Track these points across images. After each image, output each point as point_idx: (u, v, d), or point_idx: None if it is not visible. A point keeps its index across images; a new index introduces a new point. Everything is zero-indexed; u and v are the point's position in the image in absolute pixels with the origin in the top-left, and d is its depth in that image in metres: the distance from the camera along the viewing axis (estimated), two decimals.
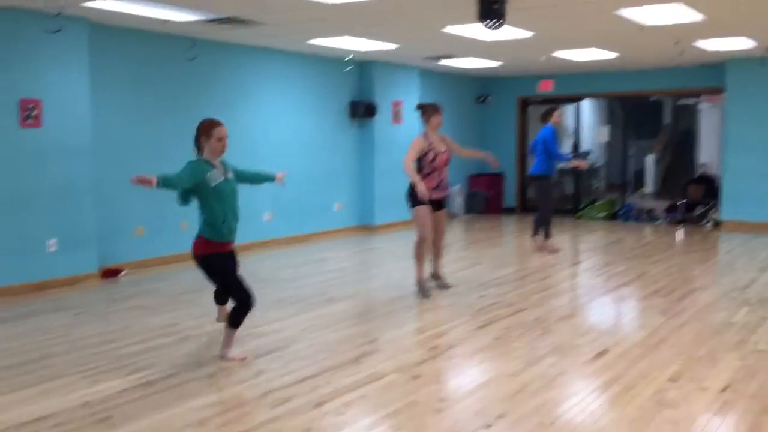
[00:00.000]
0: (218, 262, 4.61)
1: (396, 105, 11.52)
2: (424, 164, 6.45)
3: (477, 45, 9.03)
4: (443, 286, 6.83)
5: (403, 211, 11.12)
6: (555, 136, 8.75)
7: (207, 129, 4.61)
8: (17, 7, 6.44)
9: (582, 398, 3.96)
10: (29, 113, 6.74)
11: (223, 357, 4.64)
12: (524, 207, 14.02)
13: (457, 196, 13.13)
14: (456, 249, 9.30)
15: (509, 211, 13.95)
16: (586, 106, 15.81)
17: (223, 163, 4.71)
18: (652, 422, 3.62)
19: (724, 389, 4.07)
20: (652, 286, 7.00)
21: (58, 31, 6.66)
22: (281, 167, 9.71)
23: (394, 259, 8.71)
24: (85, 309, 6.17)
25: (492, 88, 13.99)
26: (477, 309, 6.07)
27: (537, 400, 3.94)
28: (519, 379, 4.31)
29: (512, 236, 11.10)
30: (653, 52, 9.79)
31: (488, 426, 3.57)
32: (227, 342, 4.67)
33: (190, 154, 8.60)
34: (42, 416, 3.73)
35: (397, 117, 11.55)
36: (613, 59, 10.66)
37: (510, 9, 6.41)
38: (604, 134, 15.17)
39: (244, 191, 9.15)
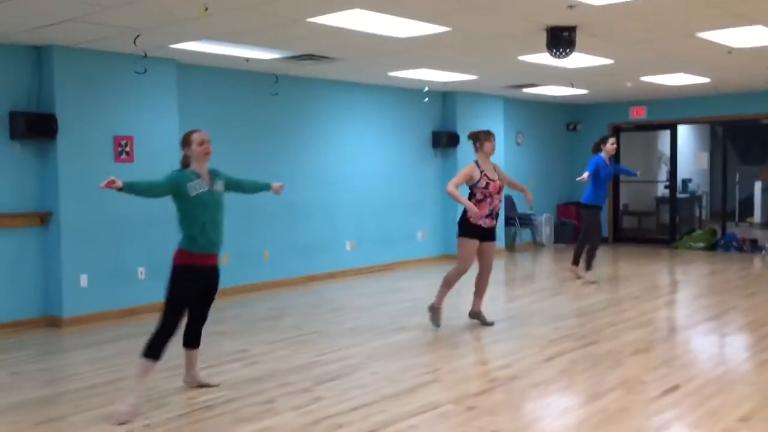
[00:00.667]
0: (182, 278, 4.39)
1: None
2: (475, 191, 6.31)
3: (556, 73, 8.93)
4: (485, 323, 6.54)
5: None
6: (603, 166, 8.68)
7: (186, 138, 4.46)
8: (109, 51, 6.94)
9: None
10: (122, 149, 7.22)
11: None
12: (617, 237, 13.58)
13: (544, 225, 12.89)
14: (538, 279, 9.12)
15: (601, 240, 13.52)
16: (684, 132, 15.22)
17: (212, 173, 4.52)
18: None
19: None
20: (741, 320, 6.62)
21: (145, 71, 7.12)
22: (363, 198, 10.00)
23: (470, 289, 8.62)
24: None
25: (582, 115, 13.71)
26: (548, 341, 5.92)
27: None
28: (577, 413, 4.18)
29: (598, 268, 10.75)
30: (746, 75, 9.33)
31: None
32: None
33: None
34: None
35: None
36: (706, 83, 10.24)
37: (583, 36, 6.36)
38: (703, 161, 14.52)
39: (329, 220, 9.47)
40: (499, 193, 6.38)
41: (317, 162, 9.41)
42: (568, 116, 13.71)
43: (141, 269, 7.37)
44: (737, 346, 5.73)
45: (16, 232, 6.69)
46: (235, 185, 4.79)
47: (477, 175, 6.28)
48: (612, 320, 6.67)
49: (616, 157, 9.51)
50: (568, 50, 6.10)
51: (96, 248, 7.02)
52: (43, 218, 6.81)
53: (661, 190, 14.58)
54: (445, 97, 11.13)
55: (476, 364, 5.36)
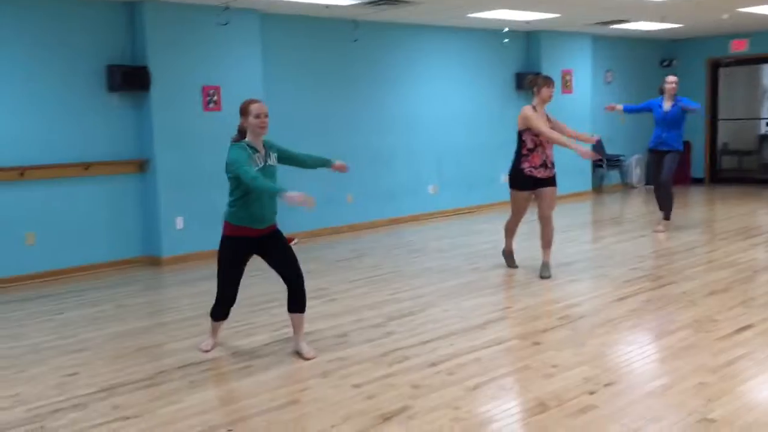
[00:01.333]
0: (230, 249, 4.34)
1: (566, 74, 11.25)
2: (526, 139, 6.04)
3: (645, 6, 8.59)
4: (543, 276, 6.19)
5: (572, 183, 10.99)
6: (658, 106, 8.16)
7: (244, 108, 4.27)
8: (196, 4, 7.24)
9: (696, 375, 3.82)
10: (210, 98, 7.58)
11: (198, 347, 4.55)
12: (714, 178, 13.07)
13: (635, 167, 12.56)
14: (623, 221, 8.99)
15: (697, 181, 13.08)
16: None
17: (267, 145, 4.35)
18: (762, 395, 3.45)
19: None
20: None
21: (227, 23, 7.40)
22: (445, 142, 10.07)
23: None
24: (258, 273, 6.86)
25: (678, 50, 13.12)
26: (623, 281, 5.94)
27: (646, 371, 3.88)
28: (641, 350, 4.26)
29: (689, 209, 10.45)
30: None
31: (592, 393, 3.60)
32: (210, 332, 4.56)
33: (356, 127, 9.07)
34: (197, 361, 4.33)
35: (566, 86, 11.28)
36: None
37: None
38: None
39: (411, 164, 9.61)
40: (550, 142, 6.06)
41: (399, 107, 9.53)
42: (663, 52, 13.14)
43: None
44: None
45: (116, 178, 7.22)
46: (289, 159, 4.55)
47: (534, 118, 5.97)
48: (693, 262, 6.57)
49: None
50: None
51: (190, 193, 7.48)
52: (141, 165, 7.31)
53: (764, 128, 13.81)
54: (529, 37, 10.92)
55: (547, 303, 5.45)
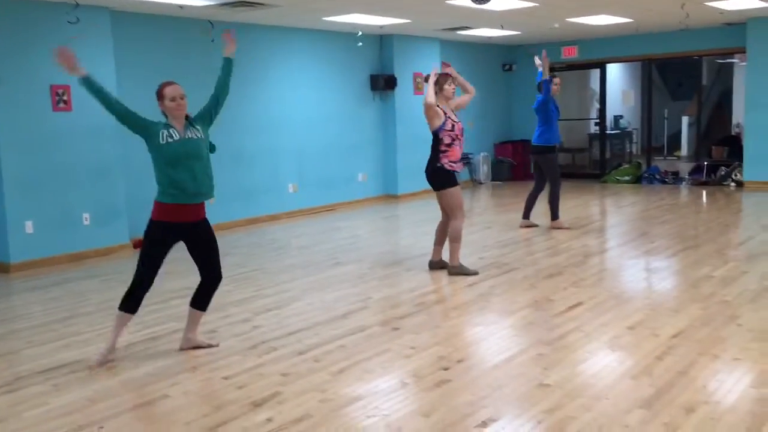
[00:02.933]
0: (156, 232, 4.27)
1: (417, 76, 11.81)
2: (443, 136, 6.09)
3: (485, 15, 9.25)
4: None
5: (424, 182, 11.54)
6: (551, 101, 8.33)
7: (159, 92, 4.33)
8: (42, 1, 6.98)
9: (534, 347, 4.31)
10: (60, 98, 7.33)
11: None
12: None
13: (482, 164, 13.39)
14: (471, 215, 9.61)
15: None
16: (616, 70, 15.78)
17: (190, 122, 4.39)
18: (598, 364, 3.97)
19: (675, 335, 4.37)
20: (648, 245, 7.24)
21: (77, 21, 7.20)
22: (304, 141, 10.28)
23: (407, 225, 9.14)
24: (114, 276, 6.76)
25: (517, 55, 14.11)
26: (473, 269, 6.42)
27: (492, 347, 4.33)
28: (488, 328, 4.70)
29: (519, 204, 11.31)
30: (664, 15, 9.81)
31: (446, 369, 3.97)
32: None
33: (216, 128, 9.15)
34: (59, 365, 4.28)
35: (418, 88, 11.84)
36: (630, 23, 10.70)
37: None
38: (629, 98, 15.12)
39: (271, 164, 9.71)
40: (462, 134, 6.23)
41: (258, 108, 9.63)
42: (504, 57, 14.08)
43: (86, 215, 7.59)
44: (639, 268, 6.36)
45: None
46: (211, 106, 4.60)
47: (441, 115, 6.07)
48: (532, 249, 7.23)
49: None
50: None
51: (40, 196, 7.20)
52: None
53: (593, 128, 15.20)
54: (382, 40, 11.37)
55: (404, 292, 5.81)
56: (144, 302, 5.10)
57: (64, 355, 4.46)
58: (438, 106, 6.10)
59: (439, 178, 6.19)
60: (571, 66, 13.85)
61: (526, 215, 8.53)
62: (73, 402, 3.72)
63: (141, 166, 8.29)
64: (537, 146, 8.31)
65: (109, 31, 7.67)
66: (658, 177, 12.59)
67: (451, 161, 6.16)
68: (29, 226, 7.14)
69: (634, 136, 16.88)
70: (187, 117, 4.41)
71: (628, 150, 16.34)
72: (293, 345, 4.50)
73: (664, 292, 5.60)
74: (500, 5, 8.34)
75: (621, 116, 16.20)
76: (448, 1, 8.01)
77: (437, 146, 6.17)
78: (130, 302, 4.32)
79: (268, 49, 9.68)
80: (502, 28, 10.76)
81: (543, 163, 8.32)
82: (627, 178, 12.83)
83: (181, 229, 4.33)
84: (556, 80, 8.33)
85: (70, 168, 7.44)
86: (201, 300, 4.54)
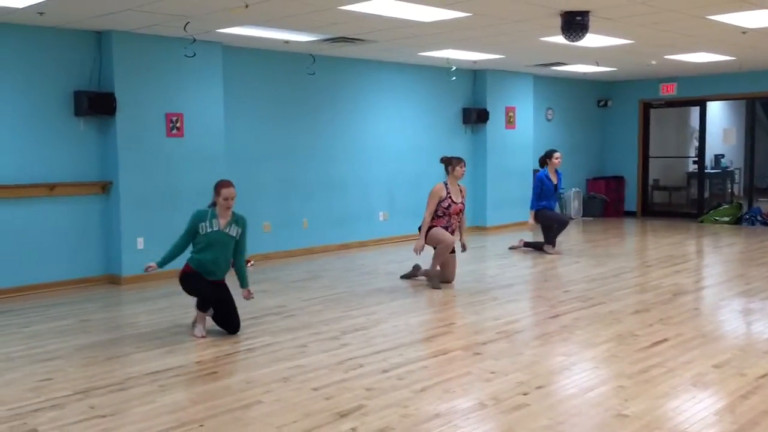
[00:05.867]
0: (188, 280, 5.47)
1: (509, 110, 11.96)
2: (437, 209, 7.18)
3: (580, 52, 9.33)
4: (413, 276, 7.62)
5: (514, 213, 11.63)
6: (546, 179, 9.29)
7: (218, 188, 5.40)
8: (162, 36, 7.62)
9: (615, 380, 4.34)
10: (173, 125, 7.93)
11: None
12: (646, 211, 13.92)
13: (573, 200, 13.31)
14: (562, 249, 9.60)
15: (630, 214, 13.91)
16: (718, 108, 15.36)
17: (234, 218, 5.45)
18: (679, 398, 3.98)
19: (762, 376, 4.30)
20: (743, 286, 7.07)
21: (194, 55, 7.80)
22: (396, 171, 10.59)
23: (494, 256, 9.23)
24: None
25: (613, 91, 14.03)
26: (557, 301, 6.49)
27: (572, 376, 4.39)
28: (570, 359, 4.76)
29: (621, 239, 11.18)
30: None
31: (525, 394, 4.08)
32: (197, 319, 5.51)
33: (312, 156, 10.20)
34: (164, 369, 4.66)
35: (510, 122, 11.98)
36: (732, 61, 10.50)
37: (597, 20, 6.81)
38: (730, 137, 14.67)
39: (362, 192, 10.07)
40: (458, 214, 7.27)
41: (352, 137, 10.03)
42: (599, 92, 14.03)
43: None
44: (731, 308, 6.23)
45: (80, 199, 7.47)
46: (236, 245, 5.52)
47: (443, 194, 7.17)
48: (621, 285, 7.19)
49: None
50: (581, 33, 6.55)
51: (151, 214, 7.77)
52: (104, 187, 7.59)
53: (692, 166, 14.82)
54: (476, 75, 11.60)
55: (488, 319, 5.93)
56: (242, 318, 5.52)
57: (169, 360, 4.83)
58: (445, 184, 7.30)
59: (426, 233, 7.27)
60: (670, 103, 13.65)
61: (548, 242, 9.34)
62: (177, 402, 4.06)
63: (242, 189, 8.80)
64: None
65: (220, 64, 8.25)
66: (759, 219, 12.16)
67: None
68: (140, 242, 7.71)
69: (736, 176, 16.32)
70: (233, 214, 5.45)
71: (729, 190, 15.80)
72: (378, 363, 4.71)
73: (755, 333, 5.48)
74: (595, 42, 8.42)
75: (722, 155, 15.72)
76: (542, 38, 8.17)
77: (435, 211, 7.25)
78: (203, 305, 5.48)
79: (364, 82, 10.09)
80: (597, 64, 10.79)
81: (543, 220, 9.36)
82: (726, 218, 12.45)
83: (205, 280, 5.47)
84: (557, 154, 9.43)
85: (179, 189, 8.00)
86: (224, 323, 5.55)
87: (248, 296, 5.56)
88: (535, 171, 9.57)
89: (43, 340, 5.41)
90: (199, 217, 5.42)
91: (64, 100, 7.29)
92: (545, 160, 9.45)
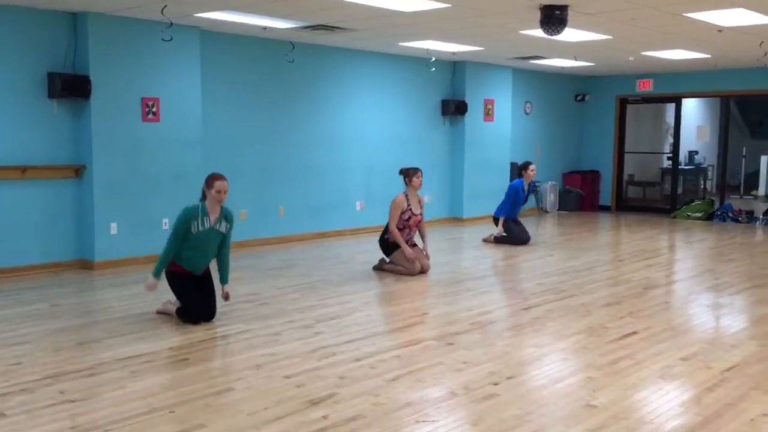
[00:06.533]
0: (176, 280, 5.40)
1: (488, 103, 11.99)
2: (399, 220, 7.31)
3: (559, 46, 9.38)
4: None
5: (491, 205, 11.68)
6: (521, 190, 9.46)
7: (210, 181, 5.33)
8: (139, 19, 7.52)
9: (585, 371, 4.40)
10: (149, 109, 7.85)
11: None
12: (620, 206, 14.07)
13: (549, 193, 13.41)
14: (535, 242, 9.67)
15: (605, 209, 14.05)
16: (693, 105, 15.55)
17: (224, 213, 5.42)
18: (647, 389, 4.04)
19: (728, 369, 4.39)
20: (712, 281, 7.19)
21: (171, 39, 7.73)
22: (374, 161, 10.59)
23: (469, 248, 9.28)
24: None
25: (590, 86, 14.13)
26: (530, 293, 6.55)
27: (543, 367, 4.44)
28: (540, 350, 4.82)
29: (595, 233, 11.29)
30: (742, 51, 9.71)
31: (495, 384, 4.12)
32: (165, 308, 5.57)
33: (290, 144, 10.10)
34: (136, 355, 4.63)
35: (488, 115, 12.02)
36: (708, 59, 10.62)
37: (576, 14, 6.84)
38: (705, 133, 14.87)
39: (340, 181, 10.04)
40: (417, 225, 7.44)
41: (330, 126, 10.00)
42: (577, 87, 14.12)
43: (165, 220, 8.04)
44: (700, 303, 6.34)
45: (53, 183, 7.38)
46: (224, 237, 5.50)
47: (405, 206, 7.33)
48: (593, 278, 7.27)
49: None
50: (559, 28, 6.58)
51: (125, 199, 7.70)
52: (78, 171, 7.49)
53: (666, 162, 15.00)
54: (455, 67, 11.61)
55: (461, 310, 5.97)
56: (218, 304, 5.50)
57: (140, 346, 4.80)
58: (405, 195, 7.43)
59: (386, 246, 7.45)
60: (646, 99, 13.78)
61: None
62: (148, 387, 4.04)
63: None
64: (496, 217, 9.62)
65: (197, 49, 8.17)
66: (731, 215, 12.35)
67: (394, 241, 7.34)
68: (114, 228, 7.63)
69: (709, 173, 16.54)
70: (222, 209, 5.41)
71: (702, 186, 16.02)
72: (351, 352, 4.72)
73: (723, 327, 5.58)
74: (574, 37, 8.46)
75: (696, 152, 15.92)
76: (521, 31, 8.19)
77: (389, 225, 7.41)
78: (188, 320, 5.35)
79: (343, 70, 10.06)
80: (576, 59, 10.85)
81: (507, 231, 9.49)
82: (698, 214, 12.63)
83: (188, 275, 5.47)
84: (532, 167, 9.65)
85: (154, 175, 7.93)
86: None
87: (227, 297, 5.53)
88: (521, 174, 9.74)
89: (13, 324, 5.35)
90: (190, 216, 5.29)
91: (37, 82, 7.18)
92: (521, 171, 9.61)
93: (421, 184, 7.49)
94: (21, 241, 7.16)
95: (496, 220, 9.57)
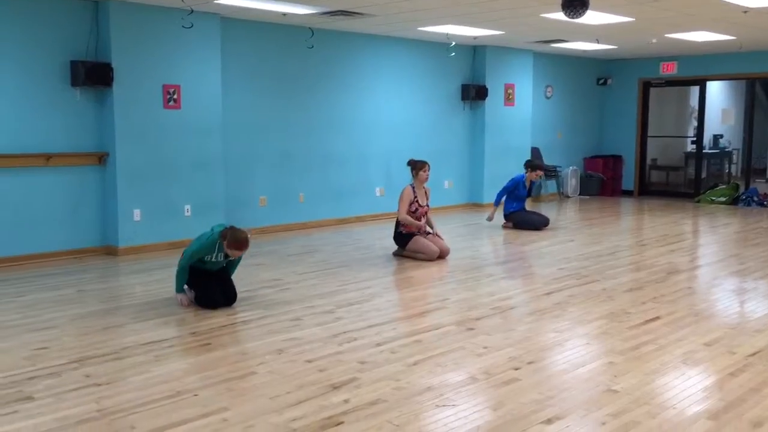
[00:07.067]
0: (191, 273, 5.52)
1: (508, 87, 11.91)
2: (407, 212, 7.39)
3: (580, 29, 9.27)
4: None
5: None
6: (522, 186, 9.46)
7: (230, 240, 5.25)
8: (159, 6, 7.56)
9: (606, 356, 4.38)
10: (170, 96, 7.89)
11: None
12: (642, 191, 13.93)
13: (570, 177, 13.31)
14: (556, 227, 9.62)
15: (627, 193, 13.92)
16: (719, 87, 15.31)
17: (230, 261, 5.57)
18: (669, 375, 4.02)
19: (752, 354, 4.35)
20: (737, 266, 7.11)
21: (191, 26, 7.75)
22: (393, 146, 10.58)
23: (489, 234, 9.26)
24: None
25: (613, 69, 13.96)
26: (552, 279, 6.52)
27: (564, 352, 4.43)
28: (561, 335, 4.80)
29: (618, 218, 11.20)
30: None
31: (516, 369, 4.12)
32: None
33: (310, 130, 10.13)
34: (159, 339, 4.69)
35: (509, 99, 11.94)
36: (732, 41, 10.45)
37: None
38: (730, 117, 14.65)
39: (360, 167, 10.05)
40: (424, 216, 7.49)
41: (350, 112, 9.99)
42: (599, 71, 13.97)
43: (187, 207, 8.12)
44: (724, 288, 6.27)
45: (77, 170, 7.46)
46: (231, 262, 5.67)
47: (412, 197, 7.42)
48: (615, 263, 7.22)
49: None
50: (581, 11, 6.47)
51: (148, 186, 7.77)
52: (101, 158, 7.57)
53: (690, 146, 14.81)
54: (475, 51, 11.53)
55: (482, 295, 5.97)
56: (239, 290, 5.55)
57: (164, 331, 4.87)
58: (412, 187, 7.52)
59: (400, 240, 7.49)
60: (670, 82, 13.60)
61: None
62: (172, 372, 4.09)
63: (239, 162, 8.82)
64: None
65: (218, 36, 8.19)
66: (756, 200, 12.18)
67: (408, 231, 7.44)
68: (137, 215, 7.72)
69: (734, 157, 16.31)
70: None
71: (727, 170, 15.80)
72: (372, 337, 4.74)
73: (747, 312, 5.53)
74: (596, 20, 8.36)
75: (721, 135, 15.69)
76: (542, 15, 8.11)
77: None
78: (207, 306, 5.44)
79: (363, 56, 10.03)
80: (598, 42, 10.72)
81: (519, 224, 9.45)
82: (723, 199, 12.47)
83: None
84: (540, 172, 9.88)
85: (176, 162, 7.99)
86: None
87: None
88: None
89: (39, 309, 5.44)
90: (207, 249, 5.40)
91: (60, 71, 7.25)
92: (528, 168, 9.59)
93: (427, 178, 7.56)
94: (46, 228, 7.26)
95: (508, 217, 9.56)
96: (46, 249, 7.27)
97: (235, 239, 5.25)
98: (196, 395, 3.72)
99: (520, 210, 9.53)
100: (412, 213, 7.42)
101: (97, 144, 7.57)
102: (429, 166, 7.60)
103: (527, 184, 9.60)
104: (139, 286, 6.29)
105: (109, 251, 7.65)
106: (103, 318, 5.22)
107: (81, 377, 3.98)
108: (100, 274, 6.82)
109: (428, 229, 7.59)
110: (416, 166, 7.56)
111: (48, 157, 7.18)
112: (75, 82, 7.28)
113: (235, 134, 8.68)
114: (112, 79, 7.34)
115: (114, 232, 7.63)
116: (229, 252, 5.33)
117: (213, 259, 5.44)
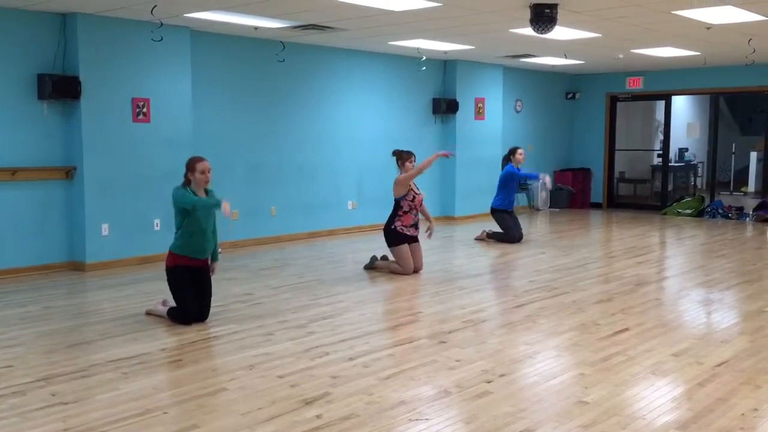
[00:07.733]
0: (173, 276, 5.37)
1: (479, 101, 12.02)
2: (403, 203, 7.28)
3: (549, 44, 9.40)
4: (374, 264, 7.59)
5: (482, 203, 11.72)
6: (516, 174, 9.42)
7: (191, 164, 5.30)
8: (128, 19, 7.50)
9: (577, 367, 4.42)
10: (140, 110, 7.82)
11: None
12: (611, 203, 14.12)
13: (540, 191, 13.44)
14: (526, 239, 9.70)
15: (596, 206, 14.10)
16: (684, 102, 15.62)
17: (208, 193, 5.42)
18: (638, 386, 4.06)
19: (719, 364, 4.42)
20: (703, 277, 7.23)
21: (161, 39, 7.71)
22: (365, 160, 10.60)
23: (462, 246, 9.30)
24: None
25: (581, 84, 14.17)
26: (522, 291, 6.57)
27: (536, 364, 4.46)
28: (533, 347, 4.83)
29: (587, 230, 11.34)
30: (732, 48, 9.76)
31: (488, 382, 4.13)
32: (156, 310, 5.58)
33: (282, 143, 10.08)
34: (128, 356, 4.62)
35: (479, 113, 12.04)
36: (697, 56, 10.67)
37: (565, 13, 6.86)
38: (695, 130, 14.94)
39: (332, 181, 10.05)
40: (420, 205, 7.41)
41: (322, 125, 9.99)
42: (567, 85, 14.16)
43: (157, 221, 8.03)
44: (691, 299, 6.37)
45: (43, 184, 7.35)
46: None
47: (406, 188, 7.26)
48: (585, 275, 7.30)
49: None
50: (549, 26, 6.60)
51: (116, 201, 7.67)
52: (68, 172, 7.46)
53: (656, 159, 15.07)
54: (446, 65, 11.63)
55: (454, 308, 5.98)
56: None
57: (133, 347, 4.79)
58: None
59: (391, 237, 7.31)
60: (636, 96, 13.84)
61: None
62: (141, 389, 4.03)
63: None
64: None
65: (188, 49, 8.15)
66: (721, 212, 12.41)
67: (404, 225, 7.28)
68: (105, 229, 7.61)
69: (700, 170, 16.63)
70: (205, 191, 5.42)
71: (693, 183, 16.11)
72: (344, 351, 4.72)
73: (714, 323, 5.62)
74: (563, 35, 8.49)
75: (686, 149, 16.00)
76: (511, 30, 8.21)
77: (396, 211, 7.32)
78: (182, 322, 5.33)
79: (334, 70, 10.05)
80: (566, 57, 10.89)
81: (500, 223, 9.46)
82: (689, 211, 12.69)
83: (188, 270, 5.40)
84: (520, 150, 9.51)
85: (145, 176, 7.90)
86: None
87: (213, 272, 5.60)
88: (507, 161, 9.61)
89: (4, 326, 5.32)
90: (182, 193, 5.25)
91: (27, 83, 7.15)
92: (509, 156, 9.55)
93: (413, 167, 7.38)
94: (12, 243, 7.13)
95: (495, 212, 9.47)
96: (12, 265, 7.13)
97: (191, 160, 5.31)
98: (165, 413, 3.67)
99: (509, 212, 9.45)
100: (410, 202, 7.29)
101: (64, 158, 7.46)
102: (415, 157, 7.44)
103: (517, 167, 9.42)
104: (107, 302, 6.19)
105: (77, 267, 7.53)
106: (70, 335, 5.13)
107: (47, 396, 3.90)
108: (67, 290, 6.71)
109: (416, 232, 7.41)
110: (402, 157, 7.43)
111: (14, 171, 7.06)
112: (42, 95, 7.18)
113: (205, 148, 8.57)
114: (79, 92, 7.26)
115: (81, 247, 7.52)
116: (198, 176, 5.24)
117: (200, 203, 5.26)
